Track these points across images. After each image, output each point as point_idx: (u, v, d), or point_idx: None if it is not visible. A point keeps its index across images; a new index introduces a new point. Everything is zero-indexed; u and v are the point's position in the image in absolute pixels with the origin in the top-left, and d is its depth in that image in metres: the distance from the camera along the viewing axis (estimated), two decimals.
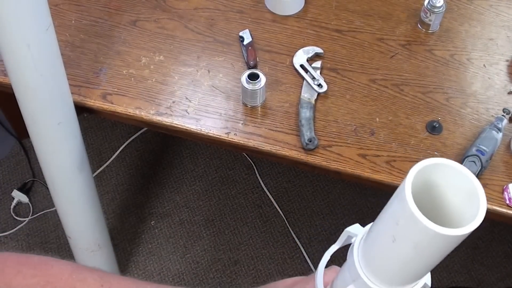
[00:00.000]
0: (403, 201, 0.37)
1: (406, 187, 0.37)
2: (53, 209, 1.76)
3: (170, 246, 1.78)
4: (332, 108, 1.13)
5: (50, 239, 1.77)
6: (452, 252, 0.42)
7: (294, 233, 1.79)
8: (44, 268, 0.55)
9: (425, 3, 1.22)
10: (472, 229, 0.37)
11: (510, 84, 1.18)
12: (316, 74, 1.16)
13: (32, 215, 1.79)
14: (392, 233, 0.41)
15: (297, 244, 1.77)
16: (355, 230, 0.49)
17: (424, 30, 1.26)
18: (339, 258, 0.53)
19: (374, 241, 0.45)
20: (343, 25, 1.26)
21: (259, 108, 1.12)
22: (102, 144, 1.94)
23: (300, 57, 1.19)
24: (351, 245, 0.49)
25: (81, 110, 1.14)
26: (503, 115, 1.11)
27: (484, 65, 1.21)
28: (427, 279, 0.46)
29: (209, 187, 1.88)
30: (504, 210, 1.02)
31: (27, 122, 1.07)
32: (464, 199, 0.39)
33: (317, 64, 1.18)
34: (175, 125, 1.10)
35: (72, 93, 1.09)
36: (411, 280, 0.45)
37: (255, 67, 1.17)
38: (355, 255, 0.47)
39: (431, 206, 0.39)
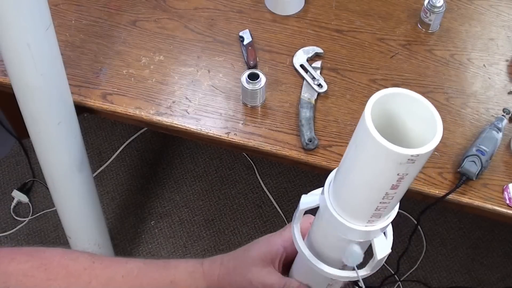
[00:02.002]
0: (364, 128, 0.38)
1: (366, 113, 0.38)
2: (53, 209, 1.76)
3: (170, 246, 1.78)
4: (332, 108, 1.13)
5: (50, 239, 1.77)
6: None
7: None
8: (36, 253, 0.57)
9: (425, 3, 1.22)
10: (427, 151, 0.37)
11: (510, 84, 1.18)
12: (316, 74, 1.16)
13: (32, 215, 1.79)
14: (355, 161, 0.41)
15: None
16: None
17: (424, 30, 1.26)
18: None
19: (341, 175, 0.45)
20: (343, 25, 1.26)
21: (259, 108, 1.12)
22: (102, 144, 1.94)
23: (300, 57, 1.19)
24: (322, 189, 0.48)
25: (81, 110, 1.14)
26: (503, 115, 1.11)
27: (484, 65, 1.21)
28: (394, 213, 0.47)
29: (209, 187, 1.88)
30: (504, 210, 1.02)
31: (27, 122, 1.07)
32: (423, 127, 0.40)
33: (317, 64, 1.18)
34: (175, 125, 1.10)
35: (72, 93, 1.09)
36: (385, 211, 0.45)
37: (255, 67, 1.17)
38: (326, 192, 0.47)
39: (393, 137, 0.39)
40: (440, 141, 0.37)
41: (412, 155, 0.37)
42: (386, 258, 0.49)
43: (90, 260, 0.59)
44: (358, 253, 0.48)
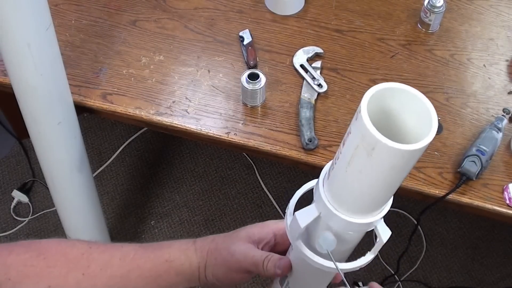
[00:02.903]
0: (360, 123, 0.38)
1: (362, 107, 0.38)
2: (53, 209, 1.76)
3: None
4: (332, 108, 1.13)
5: None
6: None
7: None
8: (34, 244, 0.58)
9: (425, 3, 1.22)
10: (422, 146, 0.37)
11: (510, 84, 1.18)
12: (316, 74, 1.16)
13: (32, 215, 1.79)
14: (352, 157, 0.41)
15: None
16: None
17: (424, 30, 1.26)
18: None
19: (337, 170, 0.45)
20: (343, 25, 1.26)
21: (259, 108, 1.12)
22: (102, 144, 1.94)
23: (300, 57, 1.19)
24: (316, 183, 0.49)
25: (81, 110, 1.14)
26: (503, 115, 1.11)
27: (484, 65, 1.21)
28: (389, 205, 0.48)
29: (209, 187, 1.88)
30: (504, 210, 1.02)
31: (27, 122, 1.07)
32: (418, 121, 0.40)
33: (317, 64, 1.18)
34: (175, 125, 1.10)
35: (72, 93, 1.09)
36: (375, 205, 0.45)
37: (255, 67, 1.17)
38: (321, 185, 0.47)
39: (389, 131, 0.40)
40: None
41: (407, 150, 0.37)
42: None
43: (87, 246, 0.61)
44: (331, 239, 0.49)
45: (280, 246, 0.62)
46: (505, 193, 1.03)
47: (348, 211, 0.46)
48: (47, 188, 1.29)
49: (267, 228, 0.62)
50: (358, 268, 0.53)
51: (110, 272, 0.59)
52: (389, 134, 0.38)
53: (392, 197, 0.47)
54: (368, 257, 0.52)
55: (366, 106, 0.38)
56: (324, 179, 0.47)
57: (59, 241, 0.61)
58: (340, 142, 0.44)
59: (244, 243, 0.60)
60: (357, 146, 0.40)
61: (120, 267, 0.60)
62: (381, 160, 0.39)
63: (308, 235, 0.53)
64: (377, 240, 0.50)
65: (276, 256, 0.59)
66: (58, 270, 0.57)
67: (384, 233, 0.49)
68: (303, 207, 0.51)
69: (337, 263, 0.51)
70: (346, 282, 0.52)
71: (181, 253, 0.62)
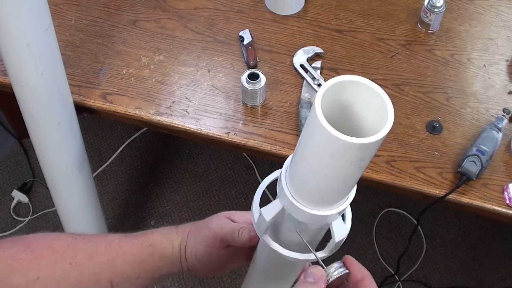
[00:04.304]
0: (313, 116, 0.38)
1: (316, 100, 0.38)
2: (53, 209, 1.76)
3: None
4: None
5: None
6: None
7: None
8: (20, 240, 0.60)
9: (425, 3, 1.22)
10: (374, 140, 0.37)
11: (510, 84, 1.18)
12: (316, 74, 1.16)
13: (32, 215, 1.79)
14: (306, 150, 0.42)
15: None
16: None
17: (424, 30, 1.26)
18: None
19: (294, 162, 0.45)
20: (343, 25, 1.26)
21: (259, 108, 1.12)
22: (102, 144, 1.94)
23: (300, 57, 1.19)
24: (279, 175, 0.49)
25: (81, 110, 1.14)
26: (503, 115, 1.11)
27: (484, 65, 1.21)
28: (351, 197, 0.48)
29: (209, 187, 1.88)
30: (504, 210, 1.02)
31: (27, 122, 1.07)
32: (375, 115, 0.40)
33: (317, 64, 1.18)
34: (175, 125, 1.10)
35: (72, 93, 1.09)
36: (332, 198, 0.46)
37: (255, 67, 1.17)
38: (283, 177, 0.47)
39: (346, 125, 0.40)
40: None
41: (360, 144, 0.37)
42: (343, 241, 0.50)
43: (72, 237, 0.62)
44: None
45: (254, 239, 0.63)
46: (505, 193, 1.03)
47: (308, 203, 0.46)
48: (47, 188, 1.29)
49: (247, 215, 0.64)
50: (308, 262, 0.53)
51: (96, 260, 0.61)
52: (347, 127, 0.39)
53: (353, 193, 0.47)
54: (320, 254, 0.52)
55: (321, 99, 0.38)
56: (286, 170, 0.48)
57: (45, 235, 0.62)
58: None
59: (222, 218, 0.63)
60: (311, 139, 0.40)
61: (106, 254, 0.62)
62: (333, 153, 0.39)
63: (275, 228, 0.54)
64: (331, 238, 0.49)
65: (248, 226, 0.61)
66: (45, 261, 0.58)
67: (338, 232, 0.48)
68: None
69: (295, 253, 0.52)
70: (320, 260, 0.52)
71: (163, 237, 0.64)
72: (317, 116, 0.37)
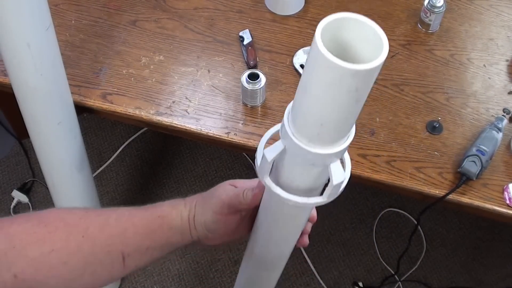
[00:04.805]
0: (314, 48, 0.39)
1: (316, 32, 0.39)
2: None
3: None
4: None
5: None
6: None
7: None
8: (33, 215, 0.63)
9: (425, 3, 1.22)
10: (370, 67, 0.39)
11: (510, 84, 1.18)
12: None
13: None
14: (308, 83, 0.43)
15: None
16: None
17: (424, 30, 1.26)
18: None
19: (297, 99, 0.46)
20: None
21: (259, 108, 1.12)
22: (102, 144, 1.94)
23: (300, 57, 1.19)
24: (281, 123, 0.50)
25: (81, 110, 1.14)
26: (503, 115, 1.11)
27: (484, 65, 1.21)
28: (352, 136, 0.48)
29: (209, 187, 1.86)
30: (504, 210, 1.02)
31: (27, 122, 1.07)
32: (371, 51, 0.41)
33: None
34: (175, 125, 1.10)
35: (72, 93, 1.09)
36: (332, 134, 0.47)
37: (255, 67, 1.17)
38: (285, 119, 0.49)
39: (343, 59, 0.41)
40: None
41: (356, 71, 0.38)
42: (342, 186, 0.51)
43: (84, 211, 0.65)
44: None
45: (258, 195, 0.65)
46: (505, 193, 1.03)
47: (308, 141, 0.47)
48: (47, 188, 1.29)
49: (254, 181, 0.66)
50: (309, 205, 0.54)
51: (107, 232, 0.63)
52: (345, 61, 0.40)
53: (351, 135, 0.48)
54: (318, 199, 0.53)
55: (321, 32, 0.40)
56: (288, 112, 0.49)
57: (58, 210, 0.65)
58: None
59: (226, 186, 0.66)
60: (311, 70, 0.41)
61: (117, 227, 0.64)
62: (331, 82, 0.40)
63: (277, 174, 0.55)
64: (329, 183, 0.50)
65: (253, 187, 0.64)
66: (59, 234, 0.60)
67: (336, 175, 0.49)
68: None
69: (294, 196, 0.53)
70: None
71: (172, 209, 0.66)
72: (317, 45, 0.39)
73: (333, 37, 0.41)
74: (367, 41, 0.42)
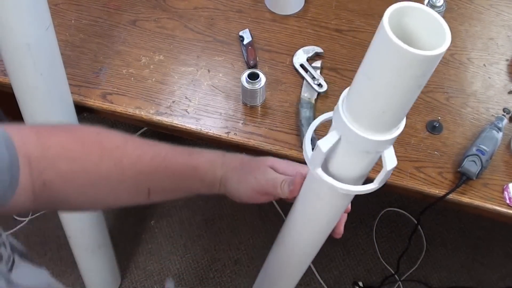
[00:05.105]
0: (382, 33, 0.41)
1: (384, 20, 0.41)
2: None
3: (170, 246, 1.78)
4: (332, 107, 1.12)
5: (50, 239, 1.77)
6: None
7: None
8: (74, 130, 0.65)
9: (425, 3, 1.21)
10: (439, 53, 0.41)
11: (511, 84, 1.18)
12: (316, 73, 1.16)
13: (32, 215, 1.79)
14: (370, 69, 0.44)
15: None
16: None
17: None
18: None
19: (358, 85, 0.47)
20: (343, 24, 1.26)
21: (259, 108, 1.12)
22: None
23: (300, 57, 1.19)
24: (335, 107, 0.51)
25: (81, 110, 1.14)
26: (503, 115, 1.11)
27: (484, 64, 1.21)
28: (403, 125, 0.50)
29: None
30: (504, 210, 1.02)
31: (27, 122, 1.07)
32: (434, 39, 0.43)
33: (317, 63, 1.18)
34: (175, 125, 1.10)
35: (72, 93, 1.09)
36: (391, 120, 0.48)
37: (255, 66, 1.17)
38: (340, 106, 0.49)
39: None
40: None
41: (426, 56, 0.40)
42: (392, 171, 0.52)
43: (123, 140, 0.66)
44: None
45: (295, 192, 0.66)
46: (505, 193, 1.03)
47: (365, 128, 0.48)
48: None
49: (293, 167, 0.66)
50: (361, 193, 0.55)
51: (139, 168, 0.65)
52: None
53: (403, 124, 0.50)
54: (370, 186, 0.54)
55: (388, 20, 0.41)
56: (342, 101, 0.49)
57: (99, 131, 0.65)
58: None
59: (267, 169, 0.66)
60: (377, 57, 0.43)
61: (149, 166, 0.65)
62: (400, 68, 0.41)
63: (324, 163, 0.55)
64: (382, 168, 0.51)
65: (291, 178, 0.64)
66: (92, 158, 0.62)
67: (389, 161, 0.51)
68: None
69: (347, 185, 0.54)
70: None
71: (207, 163, 0.67)
72: (386, 32, 0.40)
73: (397, 25, 0.43)
74: (429, 30, 0.43)
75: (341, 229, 0.69)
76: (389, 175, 0.52)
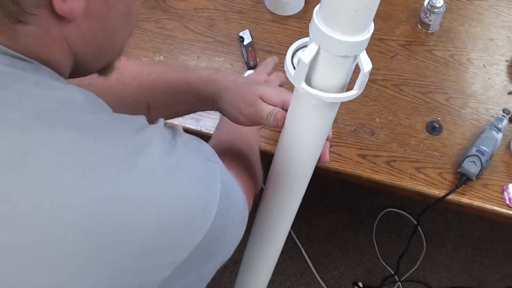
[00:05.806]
0: None
1: None
2: None
3: None
4: None
5: None
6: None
7: (294, 233, 1.79)
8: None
9: (425, 3, 1.22)
10: None
11: (510, 85, 1.18)
12: None
13: None
14: None
15: (297, 244, 1.77)
16: None
17: (424, 30, 1.26)
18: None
19: None
20: None
21: None
22: None
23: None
24: (311, 20, 0.54)
25: None
26: (503, 115, 1.11)
27: (484, 65, 1.21)
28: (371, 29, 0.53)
29: None
30: (504, 210, 1.02)
31: None
32: None
33: None
34: (175, 125, 1.10)
35: None
36: (363, 20, 0.52)
37: (255, 67, 1.17)
38: (315, 17, 0.52)
39: None
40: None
41: None
42: (369, 74, 0.54)
43: (125, 59, 0.71)
44: None
45: (280, 121, 0.70)
46: (505, 193, 1.03)
47: (341, 32, 0.51)
48: None
49: (280, 96, 0.69)
50: (346, 99, 0.57)
51: (138, 82, 0.71)
52: None
53: (372, 27, 0.54)
54: (352, 92, 0.56)
55: None
56: (316, 14, 0.52)
57: (144, 67, 0.72)
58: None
59: (257, 99, 0.68)
60: None
61: (147, 80, 0.71)
62: None
63: (309, 81, 0.58)
64: (360, 71, 0.54)
65: (277, 109, 0.68)
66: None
67: (365, 63, 0.53)
68: None
69: (331, 94, 0.56)
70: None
71: (200, 80, 0.71)
72: None
73: None
74: None
75: (327, 155, 0.72)
76: (366, 78, 0.55)
